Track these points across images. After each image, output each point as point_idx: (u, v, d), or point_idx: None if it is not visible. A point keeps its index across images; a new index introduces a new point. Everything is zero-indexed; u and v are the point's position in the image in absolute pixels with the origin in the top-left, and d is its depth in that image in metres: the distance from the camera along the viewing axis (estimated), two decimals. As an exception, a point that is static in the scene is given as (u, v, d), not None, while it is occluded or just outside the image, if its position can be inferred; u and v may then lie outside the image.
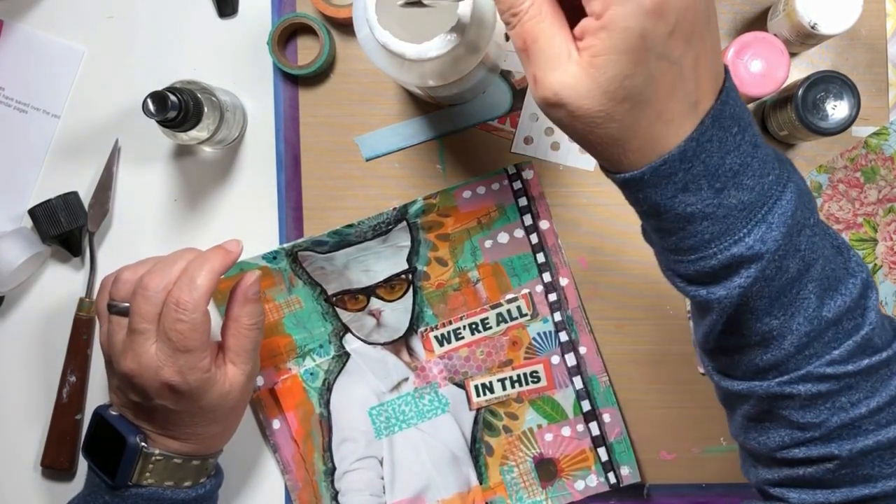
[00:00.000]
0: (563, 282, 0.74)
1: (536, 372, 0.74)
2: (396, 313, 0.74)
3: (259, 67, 0.76)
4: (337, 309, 0.75)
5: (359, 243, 0.74)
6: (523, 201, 0.73)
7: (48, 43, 0.77)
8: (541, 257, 0.74)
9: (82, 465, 0.77)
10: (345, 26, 0.75)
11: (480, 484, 0.75)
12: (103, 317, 0.65)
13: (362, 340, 0.75)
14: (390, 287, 0.74)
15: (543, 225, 0.74)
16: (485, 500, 0.74)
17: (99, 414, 0.65)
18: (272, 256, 0.74)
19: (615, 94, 0.41)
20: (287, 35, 0.75)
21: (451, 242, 0.74)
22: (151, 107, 0.65)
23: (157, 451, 0.63)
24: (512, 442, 0.74)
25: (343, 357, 0.75)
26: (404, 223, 0.74)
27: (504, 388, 0.74)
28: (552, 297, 0.74)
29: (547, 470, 0.74)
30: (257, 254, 0.74)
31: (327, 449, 0.75)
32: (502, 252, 0.74)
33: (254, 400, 0.75)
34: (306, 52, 0.75)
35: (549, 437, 0.74)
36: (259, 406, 0.75)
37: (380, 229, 0.73)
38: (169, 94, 0.65)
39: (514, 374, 0.74)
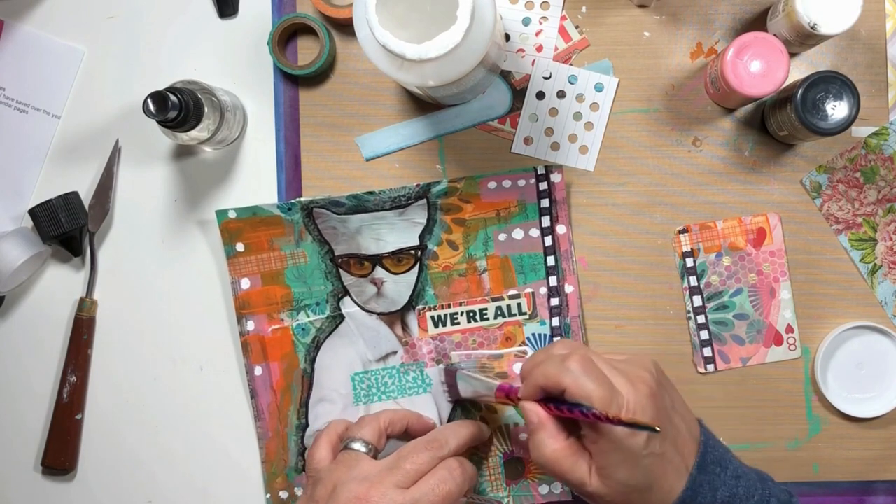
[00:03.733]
0: (568, 289, 0.74)
1: None
2: (398, 286, 0.75)
3: (259, 67, 0.76)
4: (341, 271, 0.75)
5: (375, 211, 0.74)
6: (545, 203, 0.73)
7: (48, 43, 0.77)
8: (551, 260, 0.74)
9: (82, 465, 0.77)
10: (345, 26, 0.75)
11: None
12: None
13: (359, 306, 0.75)
14: (397, 260, 0.74)
15: (560, 230, 0.74)
16: None
17: None
18: (287, 207, 0.74)
19: (625, 490, 0.56)
20: (287, 35, 0.75)
21: (466, 228, 0.74)
22: (151, 107, 0.65)
23: None
24: None
25: (337, 319, 0.75)
26: (424, 201, 0.74)
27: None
28: (554, 301, 0.74)
29: (515, 469, 0.74)
30: (272, 202, 0.74)
31: (304, 405, 0.75)
32: (514, 248, 0.74)
33: (241, 344, 0.75)
34: (306, 52, 0.76)
35: (523, 437, 0.74)
36: (246, 350, 0.75)
37: (399, 202, 0.74)
38: (169, 94, 0.65)
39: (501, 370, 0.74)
